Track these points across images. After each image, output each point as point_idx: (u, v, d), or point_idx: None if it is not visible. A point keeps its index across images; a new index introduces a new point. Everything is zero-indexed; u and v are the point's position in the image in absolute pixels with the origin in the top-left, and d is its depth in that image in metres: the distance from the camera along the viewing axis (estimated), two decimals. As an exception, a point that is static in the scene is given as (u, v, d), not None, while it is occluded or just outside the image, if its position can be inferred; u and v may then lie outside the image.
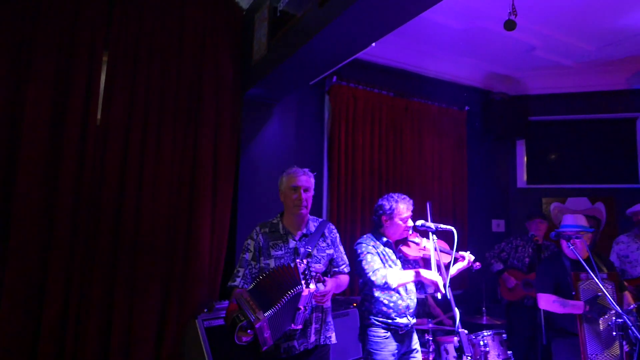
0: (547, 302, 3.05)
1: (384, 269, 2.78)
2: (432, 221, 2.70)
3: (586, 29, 4.49)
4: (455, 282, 4.67)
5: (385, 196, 2.95)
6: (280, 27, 3.25)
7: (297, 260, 2.28)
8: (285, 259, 2.44)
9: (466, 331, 2.23)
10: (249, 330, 2.13)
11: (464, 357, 2.21)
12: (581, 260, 2.76)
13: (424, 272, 2.74)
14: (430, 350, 3.54)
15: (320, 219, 2.69)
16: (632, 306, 2.53)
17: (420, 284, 3.02)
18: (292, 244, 2.49)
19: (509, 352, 3.57)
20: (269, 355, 2.36)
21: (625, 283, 3.91)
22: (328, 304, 2.57)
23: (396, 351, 2.79)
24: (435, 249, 2.61)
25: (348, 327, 3.81)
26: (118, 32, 3.40)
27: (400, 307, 2.82)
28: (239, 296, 2.22)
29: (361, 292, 2.98)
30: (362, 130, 4.70)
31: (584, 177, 5.62)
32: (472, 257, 2.93)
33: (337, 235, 2.70)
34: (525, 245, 4.58)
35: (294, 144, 4.26)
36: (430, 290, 2.96)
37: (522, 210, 5.46)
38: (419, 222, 2.71)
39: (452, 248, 2.58)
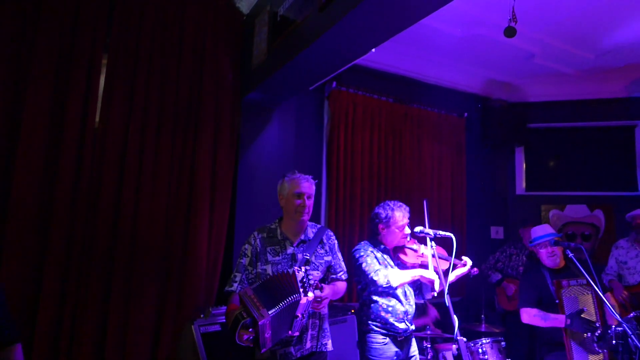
0: (529, 316, 3.05)
1: (385, 269, 2.77)
2: (429, 219, 2.69)
3: (585, 37, 4.50)
4: (454, 289, 4.65)
5: (382, 204, 2.95)
6: (280, 32, 3.25)
7: (295, 268, 2.27)
8: (283, 265, 2.42)
9: (465, 339, 2.22)
10: (250, 329, 2.11)
11: (463, 365, 2.19)
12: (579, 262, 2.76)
13: (422, 271, 2.76)
14: (429, 357, 3.52)
15: (318, 225, 2.67)
16: (632, 314, 2.52)
17: (418, 290, 3.02)
18: (290, 250, 2.47)
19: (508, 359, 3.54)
20: (265, 362, 2.34)
21: (625, 292, 3.92)
22: (325, 310, 2.56)
23: (395, 357, 2.78)
24: (434, 255, 2.60)
25: (346, 334, 3.79)
26: (118, 35, 3.40)
27: (398, 312, 2.81)
28: (244, 293, 2.20)
29: (360, 298, 2.96)
30: (362, 136, 4.69)
31: (583, 185, 5.61)
32: (470, 262, 2.94)
33: (336, 241, 2.68)
34: (519, 254, 4.56)
35: (293, 148, 4.25)
36: (429, 296, 2.95)
37: (521, 217, 5.45)
38: (418, 229, 2.70)
39: (450, 254, 2.57)
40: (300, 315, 2.23)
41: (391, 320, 2.80)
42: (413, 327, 2.90)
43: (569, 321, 2.77)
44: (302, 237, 2.53)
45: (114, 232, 3.23)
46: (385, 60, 4.88)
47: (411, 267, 2.98)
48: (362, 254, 2.84)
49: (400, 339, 2.82)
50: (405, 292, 2.90)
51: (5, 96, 3.03)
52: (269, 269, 2.41)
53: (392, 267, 2.90)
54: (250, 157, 3.95)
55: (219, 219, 3.63)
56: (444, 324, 4.08)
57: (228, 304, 2.39)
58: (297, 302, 2.18)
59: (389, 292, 2.82)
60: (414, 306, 2.93)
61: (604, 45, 4.64)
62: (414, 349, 2.94)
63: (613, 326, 2.46)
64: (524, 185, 5.81)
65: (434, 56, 4.97)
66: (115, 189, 3.26)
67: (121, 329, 3.15)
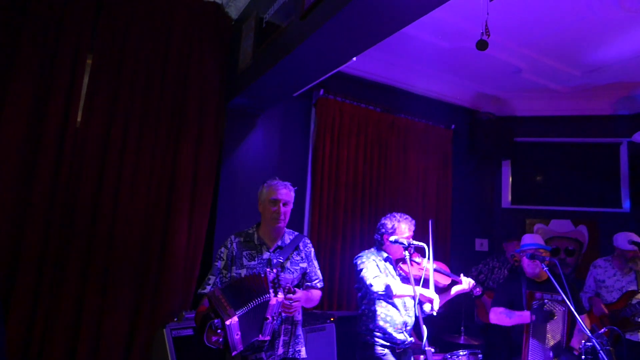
0: (495, 314, 3.14)
1: (385, 277, 2.80)
2: (432, 239, 2.77)
3: (571, 54, 4.55)
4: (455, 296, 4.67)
5: (389, 215, 3.02)
6: (265, 37, 3.27)
7: (267, 270, 2.28)
8: (258, 269, 2.42)
9: (432, 349, 2.21)
10: (219, 330, 2.10)
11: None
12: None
13: (423, 290, 2.74)
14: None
15: (296, 233, 2.68)
16: (602, 330, 2.52)
17: (419, 304, 3.02)
18: (266, 255, 2.48)
19: (485, 372, 3.53)
20: (237, 367, 2.32)
21: (603, 306, 3.94)
22: (298, 316, 2.54)
23: None
24: (437, 270, 2.76)
25: (324, 342, 3.77)
26: (104, 36, 3.41)
27: (397, 323, 2.82)
28: (212, 294, 2.19)
29: (359, 306, 2.97)
30: (347, 144, 4.70)
31: (568, 200, 5.65)
32: (472, 282, 2.96)
33: (312, 250, 2.69)
34: (501, 267, 4.57)
35: (278, 155, 4.25)
36: (427, 309, 2.96)
37: (506, 230, 5.47)
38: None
39: (452, 272, 2.62)
40: (270, 318, 2.23)
41: (390, 330, 2.81)
42: (412, 339, 2.90)
43: (534, 317, 2.82)
44: (279, 242, 2.54)
45: (90, 234, 3.20)
46: (373, 69, 4.92)
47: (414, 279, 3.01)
48: (363, 260, 2.89)
49: (399, 351, 2.84)
50: (404, 302, 2.90)
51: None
52: (243, 273, 2.41)
53: (393, 277, 2.92)
54: (233, 162, 3.94)
55: (198, 224, 3.61)
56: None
57: (199, 306, 2.38)
58: (267, 302, 2.19)
59: (387, 301, 2.83)
60: (413, 318, 2.92)
61: (591, 63, 4.69)
62: None
63: (583, 341, 2.46)
64: (509, 198, 5.84)
65: (422, 67, 5.00)
66: (93, 191, 3.25)
67: (95, 332, 3.12)
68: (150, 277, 3.36)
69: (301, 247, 2.61)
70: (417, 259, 3.03)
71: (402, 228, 2.89)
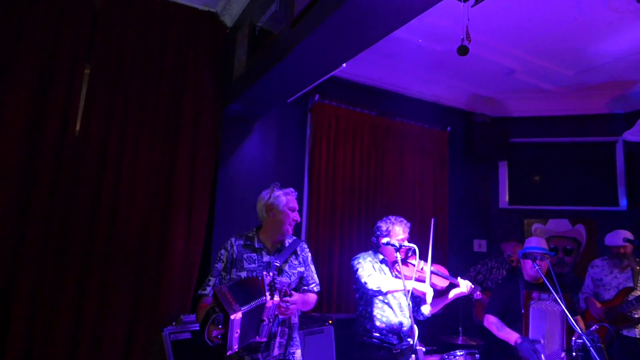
0: (488, 322, 3.19)
1: (378, 275, 2.85)
2: (433, 238, 2.82)
3: (563, 55, 4.59)
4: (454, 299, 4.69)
5: (384, 218, 3.08)
6: (258, 45, 3.33)
7: (264, 273, 2.32)
8: (258, 272, 2.45)
9: (423, 349, 2.24)
10: (220, 325, 2.14)
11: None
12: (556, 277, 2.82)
13: (415, 283, 2.76)
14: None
15: (294, 237, 2.73)
16: (593, 327, 2.55)
17: (416, 306, 3.05)
18: (266, 258, 2.52)
19: (483, 373, 3.55)
20: (232, 368, 2.36)
21: (598, 304, 3.96)
22: (294, 319, 2.58)
23: None
24: (434, 272, 2.77)
25: (322, 345, 3.79)
26: (101, 45, 3.48)
27: (393, 323, 2.86)
28: (218, 290, 2.22)
29: (357, 308, 3.01)
30: (344, 149, 4.74)
31: (565, 199, 5.66)
32: (471, 285, 2.98)
33: (309, 254, 2.74)
34: (499, 267, 4.59)
35: (274, 160, 4.30)
36: (426, 311, 2.98)
37: (504, 231, 5.49)
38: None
39: (451, 275, 2.64)
40: (266, 320, 2.27)
41: (384, 331, 2.85)
42: (410, 340, 2.92)
43: (519, 340, 2.87)
44: (279, 246, 2.59)
45: (89, 238, 3.27)
46: (368, 74, 4.97)
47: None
48: (360, 261, 2.95)
49: (396, 352, 2.86)
50: (400, 304, 2.93)
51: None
52: (243, 276, 2.45)
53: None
54: (230, 167, 4.00)
55: (196, 228, 3.67)
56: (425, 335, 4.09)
57: (199, 305, 2.42)
58: (264, 304, 2.24)
59: (383, 301, 2.86)
60: (409, 319, 2.94)
61: (582, 63, 4.72)
62: None
63: (574, 338, 2.49)
64: (507, 199, 5.86)
65: (416, 70, 5.05)
66: (92, 197, 3.31)
67: (93, 336, 3.17)
68: (149, 281, 3.42)
69: (299, 252, 2.66)
70: (413, 261, 3.02)
71: (396, 230, 2.94)
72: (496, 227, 5.73)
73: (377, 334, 2.85)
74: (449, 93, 5.51)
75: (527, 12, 3.86)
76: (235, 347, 2.20)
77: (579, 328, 2.54)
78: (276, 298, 2.28)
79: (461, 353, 3.53)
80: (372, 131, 4.99)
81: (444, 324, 4.39)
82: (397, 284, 2.82)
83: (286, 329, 2.53)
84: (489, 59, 4.64)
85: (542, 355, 2.76)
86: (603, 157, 5.64)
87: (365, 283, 2.79)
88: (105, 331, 3.20)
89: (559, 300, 2.70)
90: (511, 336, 2.97)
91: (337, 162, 4.69)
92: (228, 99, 3.86)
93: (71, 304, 3.15)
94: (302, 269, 2.63)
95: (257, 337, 2.29)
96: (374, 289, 2.77)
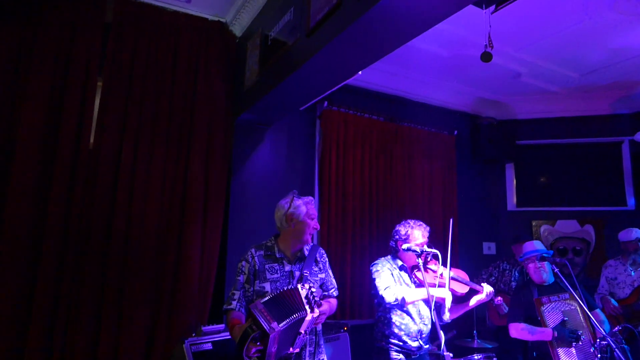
0: (516, 330, 3.11)
1: (396, 286, 2.81)
2: (451, 239, 2.77)
3: (569, 57, 4.63)
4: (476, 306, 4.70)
5: (403, 222, 3.01)
6: (271, 54, 3.35)
7: (299, 285, 2.31)
8: (281, 282, 2.45)
9: (451, 354, 2.25)
10: (258, 342, 2.15)
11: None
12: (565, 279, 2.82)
13: (434, 290, 2.74)
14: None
15: (311, 244, 2.72)
16: (617, 328, 2.56)
17: (436, 311, 3.02)
18: (287, 267, 2.51)
19: (501, 376, 3.55)
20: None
21: (614, 303, 3.97)
22: (319, 326, 2.59)
23: None
24: (453, 278, 2.71)
25: (338, 352, 3.80)
26: (112, 57, 3.50)
27: (412, 330, 2.84)
28: (254, 307, 2.22)
29: (375, 313, 3.00)
30: (353, 154, 4.77)
31: (573, 200, 5.70)
32: (491, 290, 2.94)
33: (327, 259, 2.74)
34: (511, 269, 4.60)
35: (285, 167, 4.32)
36: (446, 318, 2.93)
37: (512, 233, 5.49)
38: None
39: (471, 279, 2.60)
40: (303, 332, 2.27)
41: (404, 337, 2.83)
42: (427, 346, 2.91)
43: (555, 333, 2.82)
44: (299, 255, 2.58)
45: (106, 251, 3.27)
46: (375, 80, 5.00)
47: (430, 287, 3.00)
48: (378, 269, 2.90)
49: (414, 357, 2.85)
50: (419, 311, 2.91)
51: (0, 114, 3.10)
52: (267, 287, 2.44)
53: (407, 285, 2.93)
54: (242, 176, 4.01)
55: (211, 238, 3.67)
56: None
57: (228, 321, 2.40)
58: (303, 318, 2.24)
59: (402, 309, 2.85)
60: (429, 325, 2.94)
61: (588, 65, 4.78)
62: None
63: (598, 339, 2.50)
64: (515, 200, 5.88)
65: (423, 76, 5.09)
66: (107, 209, 3.32)
67: (112, 349, 3.17)
68: (166, 292, 3.41)
69: (318, 258, 2.65)
70: (433, 266, 2.98)
71: (415, 235, 2.90)
72: (505, 230, 5.76)
73: (396, 340, 2.84)
74: (455, 97, 5.55)
75: (533, 16, 3.91)
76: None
77: (602, 323, 2.52)
78: (316, 311, 2.28)
79: (479, 357, 3.53)
80: (381, 136, 5.02)
81: (458, 328, 4.39)
82: (417, 294, 2.79)
83: (313, 337, 2.53)
84: (494, 63, 4.61)
85: (579, 332, 2.73)
86: (609, 158, 5.69)
87: (383, 297, 2.77)
88: (123, 343, 3.19)
89: (575, 297, 2.71)
90: (546, 332, 2.91)
91: (347, 168, 4.72)
92: (240, 109, 3.87)
93: (89, 317, 3.14)
94: (322, 276, 2.63)
95: (292, 349, 2.29)
96: (392, 302, 2.75)
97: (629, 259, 4.12)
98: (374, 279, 2.87)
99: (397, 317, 2.86)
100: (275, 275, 2.47)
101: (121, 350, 3.17)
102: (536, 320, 3.00)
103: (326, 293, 2.67)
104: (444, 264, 2.81)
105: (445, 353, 2.22)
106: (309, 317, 2.24)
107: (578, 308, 2.86)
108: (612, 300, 4.04)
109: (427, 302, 2.91)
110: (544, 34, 4.18)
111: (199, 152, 3.70)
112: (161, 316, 3.36)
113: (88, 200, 3.28)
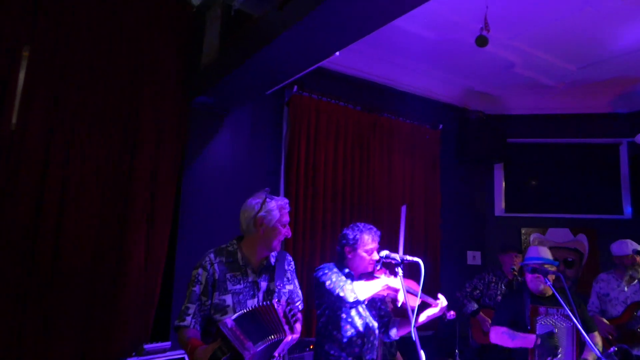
0: (497, 334, 3.21)
1: (351, 283, 2.79)
2: (405, 227, 2.78)
3: (566, 48, 4.78)
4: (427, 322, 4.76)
5: (351, 225, 3.01)
6: (234, 28, 3.29)
7: (275, 301, 2.27)
8: (245, 294, 2.38)
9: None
10: None
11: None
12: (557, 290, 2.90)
13: (388, 280, 2.77)
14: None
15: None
16: (611, 349, 2.66)
17: (384, 328, 3.05)
18: (251, 277, 2.45)
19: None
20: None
21: (606, 322, 4.12)
22: (288, 345, 2.58)
23: None
24: (408, 291, 2.68)
25: (303, 373, 3.79)
26: (45, 23, 3.34)
27: (354, 344, 2.84)
28: (223, 325, 2.15)
29: (318, 332, 2.97)
30: (325, 148, 4.76)
31: (566, 206, 5.88)
32: (445, 303, 2.94)
33: (294, 267, 2.71)
34: (497, 282, 4.71)
35: (247, 160, 4.26)
36: (394, 334, 2.98)
37: (499, 241, 5.63)
38: (383, 253, 2.75)
39: (419, 283, 2.61)
40: (277, 356, 2.27)
41: (345, 354, 2.83)
42: None
43: (539, 341, 2.92)
44: (265, 263, 2.52)
45: (29, 257, 3.12)
46: (353, 63, 5.00)
47: (378, 298, 3.02)
48: (326, 272, 2.87)
49: None
50: (366, 323, 2.94)
51: None
52: (228, 300, 2.36)
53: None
54: (197, 168, 3.93)
55: (158, 237, 3.59)
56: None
57: (183, 341, 2.31)
58: (281, 340, 2.21)
59: (347, 320, 2.85)
60: (374, 343, 2.96)
61: (587, 57, 4.94)
62: None
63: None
64: (503, 205, 6.03)
65: (407, 61, 5.13)
66: (33, 206, 3.16)
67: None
68: (102, 304, 3.30)
69: (286, 267, 2.61)
70: (383, 276, 2.94)
71: (364, 239, 2.89)
72: (491, 237, 5.89)
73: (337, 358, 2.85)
74: (441, 87, 5.63)
75: (531, 2, 4.00)
76: None
77: (596, 346, 2.62)
78: (296, 332, 2.27)
79: (460, 379, 3.62)
80: (357, 128, 5.04)
81: (438, 346, 4.48)
82: (373, 287, 2.77)
83: (279, 358, 2.52)
84: (486, 51, 4.73)
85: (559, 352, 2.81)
86: (606, 160, 5.91)
87: (341, 297, 2.70)
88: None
89: (570, 316, 2.80)
90: (528, 339, 3.00)
91: (318, 163, 4.70)
92: (195, 91, 3.79)
93: (5, 332, 3.00)
94: (291, 287, 2.60)
95: None
96: (351, 300, 2.73)
97: (626, 274, 4.25)
98: (324, 282, 2.80)
99: (340, 332, 2.85)
100: (238, 287, 2.40)
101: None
102: (524, 328, 3.08)
103: (291, 305, 2.64)
104: (403, 267, 2.81)
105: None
106: (288, 339, 2.21)
107: (572, 327, 2.95)
108: (604, 321, 4.17)
109: (378, 319, 2.98)
110: (542, 21, 4.29)
111: (146, 139, 3.61)
112: (95, 331, 3.25)
113: (9, 193, 3.12)
